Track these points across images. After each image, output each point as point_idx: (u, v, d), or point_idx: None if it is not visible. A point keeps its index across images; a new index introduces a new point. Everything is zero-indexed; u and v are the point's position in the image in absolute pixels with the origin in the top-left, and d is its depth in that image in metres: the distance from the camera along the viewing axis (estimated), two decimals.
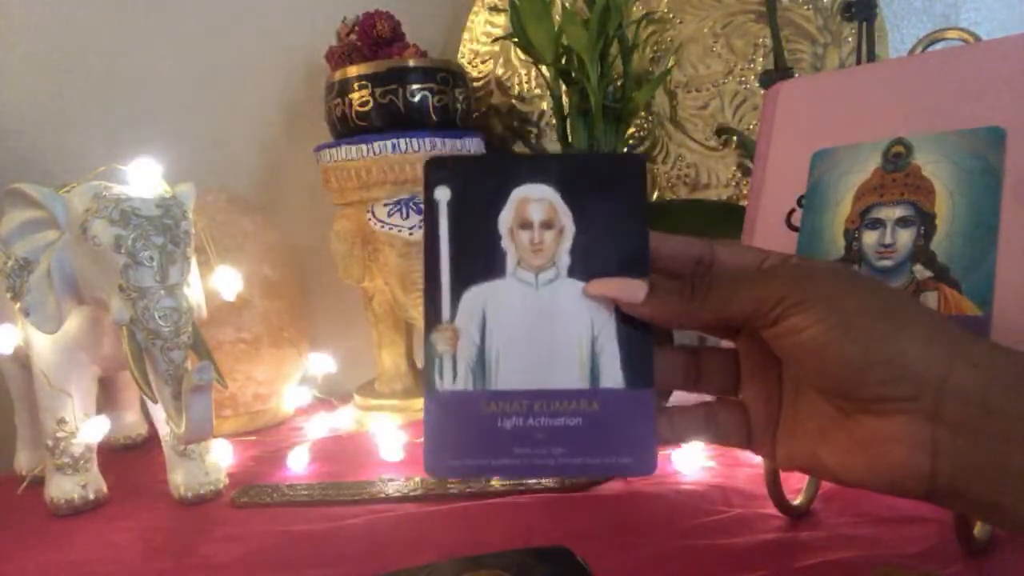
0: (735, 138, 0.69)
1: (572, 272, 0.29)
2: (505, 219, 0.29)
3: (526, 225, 0.29)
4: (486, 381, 0.28)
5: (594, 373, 0.28)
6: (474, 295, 0.29)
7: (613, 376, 0.28)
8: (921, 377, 0.24)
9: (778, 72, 0.61)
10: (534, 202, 0.29)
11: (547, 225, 0.29)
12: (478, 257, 0.29)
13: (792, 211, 0.40)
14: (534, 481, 0.52)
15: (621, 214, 0.29)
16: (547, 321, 0.28)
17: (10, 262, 0.52)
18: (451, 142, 0.70)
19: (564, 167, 0.29)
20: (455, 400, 0.28)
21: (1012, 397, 0.23)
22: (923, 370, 0.24)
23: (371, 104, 0.70)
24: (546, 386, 0.28)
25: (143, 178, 0.53)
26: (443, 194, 0.29)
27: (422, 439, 0.28)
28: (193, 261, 0.55)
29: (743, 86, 0.70)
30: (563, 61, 0.71)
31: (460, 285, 0.29)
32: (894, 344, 0.24)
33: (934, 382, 0.23)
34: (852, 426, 0.25)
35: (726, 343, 0.31)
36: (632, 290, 0.28)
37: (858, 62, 0.57)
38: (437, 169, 0.29)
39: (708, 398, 0.31)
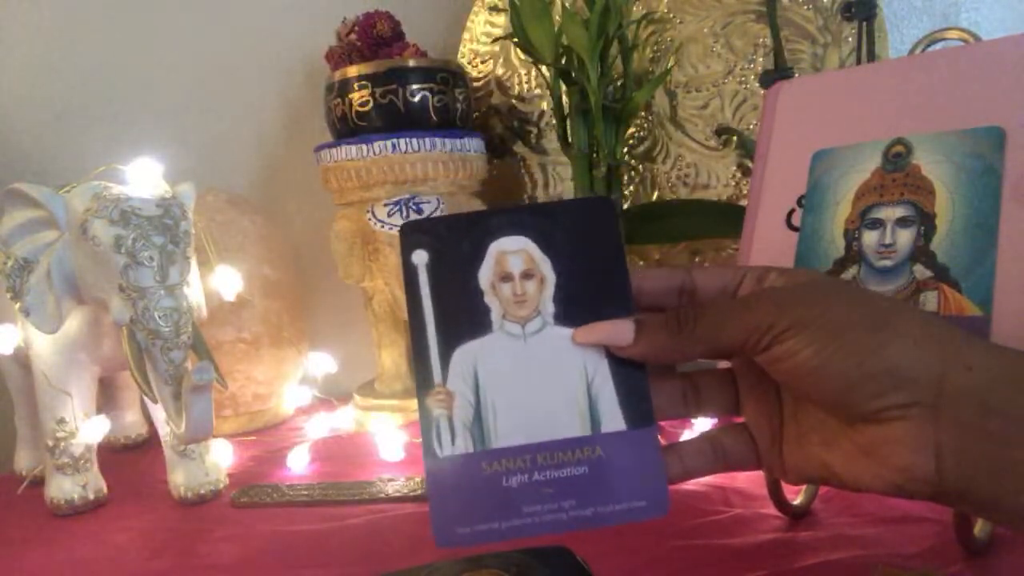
0: (735, 138, 0.69)
1: (558, 319, 0.28)
2: (485, 274, 0.29)
3: (507, 277, 0.29)
4: (485, 440, 0.28)
5: (594, 418, 0.28)
6: (464, 354, 0.28)
7: (613, 419, 0.28)
8: (916, 384, 0.24)
9: (778, 72, 0.61)
10: (512, 254, 0.29)
11: (528, 275, 0.29)
12: (463, 315, 0.28)
13: (792, 211, 0.40)
14: None
15: (599, 256, 0.29)
16: (539, 372, 0.28)
17: (10, 262, 0.52)
18: (451, 142, 0.70)
19: (536, 217, 0.29)
20: (456, 464, 0.27)
21: (1011, 397, 0.23)
22: (917, 377, 0.24)
23: (371, 104, 0.70)
24: (546, 438, 0.28)
25: (143, 178, 0.53)
26: (420, 258, 0.29)
27: (428, 507, 0.27)
28: (193, 261, 0.55)
29: (743, 86, 0.70)
30: (563, 61, 0.70)
31: (448, 346, 0.28)
32: (886, 356, 0.24)
33: (930, 387, 0.23)
34: (854, 434, 0.26)
35: (722, 364, 0.31)
36: (620, 333, 0.27)
37: (858, 62, 0.57)
38: (412, 233, 0.29)
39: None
